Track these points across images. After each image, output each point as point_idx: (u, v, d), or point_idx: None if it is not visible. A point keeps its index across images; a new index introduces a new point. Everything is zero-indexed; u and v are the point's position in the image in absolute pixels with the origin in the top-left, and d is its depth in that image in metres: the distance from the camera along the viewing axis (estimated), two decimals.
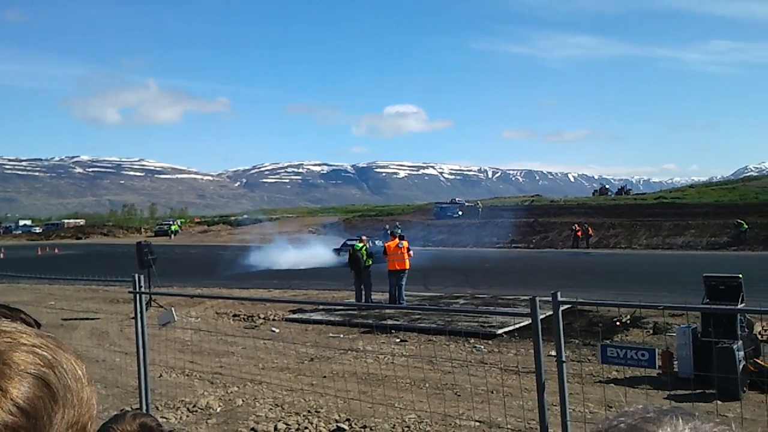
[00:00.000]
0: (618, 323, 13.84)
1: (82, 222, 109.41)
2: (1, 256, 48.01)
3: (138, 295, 7.09)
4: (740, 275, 9.96)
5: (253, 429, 7.92)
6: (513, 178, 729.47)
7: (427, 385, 9.52)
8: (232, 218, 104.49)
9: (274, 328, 15.24)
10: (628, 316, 14.11)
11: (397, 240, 18.58)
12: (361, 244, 19.17)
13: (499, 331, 13.59)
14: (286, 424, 8.00)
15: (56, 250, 55.85)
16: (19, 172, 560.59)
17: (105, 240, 79.42)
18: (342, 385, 9.03)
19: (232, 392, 9.49)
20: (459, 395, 9.01)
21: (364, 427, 7.84)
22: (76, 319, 16.43)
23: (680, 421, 0.84)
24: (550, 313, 5.31)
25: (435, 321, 15.16)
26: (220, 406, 8.84)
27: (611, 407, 8.21)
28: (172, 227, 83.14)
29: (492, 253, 42.65)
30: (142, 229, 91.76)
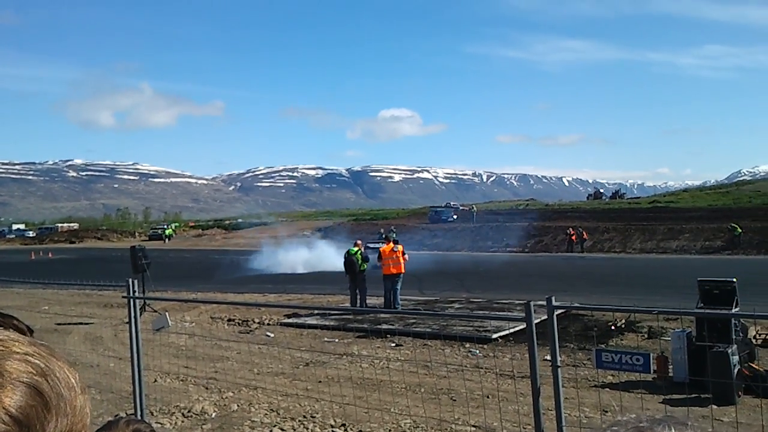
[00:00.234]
0: (613, 327, 13.85)
1: (75, 226, 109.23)
2: None
3: (132, 300, 7.07)
4: (734, 279, 9.98)
5: None
6: (507, 182, 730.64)
7: (422, 389, 9.51)
8: (226, 222, 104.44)
9: (269, 333, 15.20)
10: (623, 321, 14.13)
11: (392, 244, 18.58)
12: (356, 248, 19.16)
13: (494, 336, 13.58)
14: (282, 429, 7.98)
15: (50, 255, 55.70)
16: (13, 176, 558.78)
17: (99, 244, 79.24)
18: (337, 389, 9.01)
19: (227, 397, 9.45)
20: (454, 400, 9.00)
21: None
22: (69, 324, 16.38)
23: (673, 430, 0.84)
24: (545, 317, 5.31)
25: (430, 325, 15.15)
26: (215, 411, 8.81)
27: (607, 412, 8.21)
28: (167, 231, 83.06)
29: (487, 257, 42.70)
30: (136, 233, 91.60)
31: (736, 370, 8.94)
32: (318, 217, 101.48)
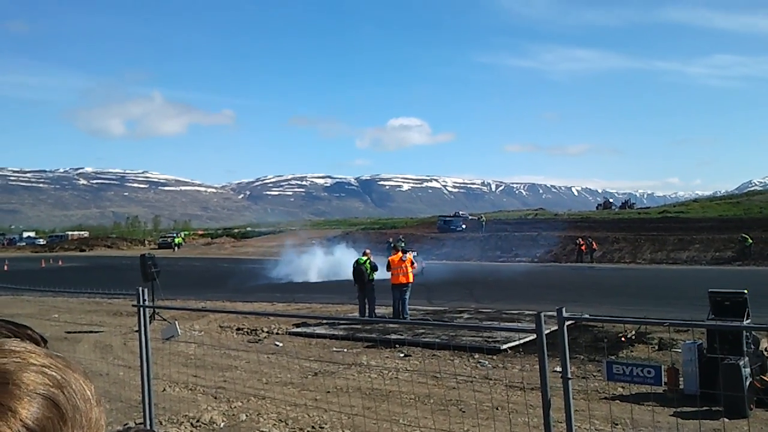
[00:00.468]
0: (623, 339, 13.77)
1: (85, 234, 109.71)
2: (5, 268, 48.04)
3: (142, 309, 7.08)
4: (745, 291, 9.91)
5: None
6: (516, 192, 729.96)
7: (431, 400, 9.47)
8: (235, 230, 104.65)
9: (277, 342, 15.20)
10: (633, 332, 14.05)
11: (400, 253, 18.57)
12: (364, 258, 19.15)
13: (504, 347, 13.53)
14: None
15: (60, 262, 55.95)
16: (24, 184, 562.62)
17: (109, 252, 79.56)
18: (346, 400, 8.99)
19: (235, 407, 9.44)
20: (464, 411, 8.96)
21: None
22: (79, 332, 16.42)
23: None
24: (555, 328, 5.29)
25: (439, 335, 15.11)
26: (223, 421, 8.80)
27: (617, 425, 8.16)
28: (176, 239, 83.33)
29: (496, 267, 42.59)
30: (146, 242, 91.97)
31: (747, 383, 8.87)
32: (326, 226, 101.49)
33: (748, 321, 9.55)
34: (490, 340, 14.11)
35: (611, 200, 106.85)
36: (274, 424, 8.54)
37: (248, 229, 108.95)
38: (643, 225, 58.30)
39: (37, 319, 18.53)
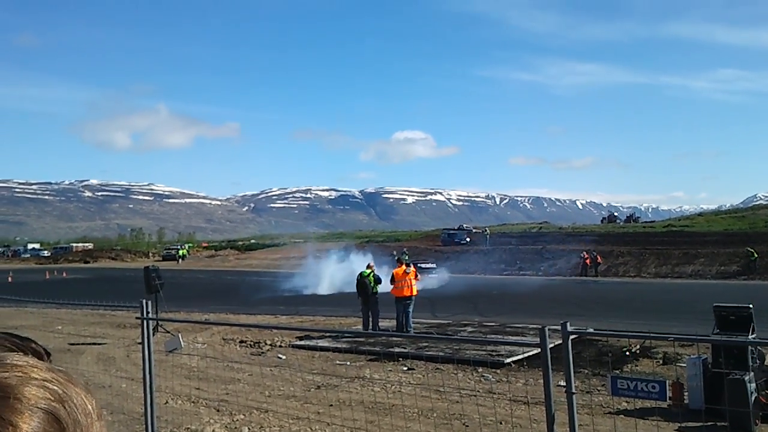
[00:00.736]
0: (627, 353, 13.72)
1: (90, 246, 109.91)
2: (10, 279, 48.12)
3: (145, 321, 7.08)
4: (751, 305, 9.87)
5: None
6: (521, 205, 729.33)
7: (435, 414, 9.43)
8: (269, 240, 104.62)
9: (280, 355, 15.17)
10: (638, 346, 13.99)
11: (404, 266, 18.54)
12: (368, 271, 19.13)
13: (508, 360, 13.48)
14: None
15: (64, 274, 56.00)
16: (29, 196, 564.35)
17: (113, 264, 79.63)
18: (349, 413, 8.95)
19: (238, 420, 9.41)
20: (467, 426, 8.91)
21: None
22: (83, 344, 16.42)
23: None
24: (559, 342, 5.27)
25: (443, 349, 15.05)
26: None
27: None
28: (180, 252, 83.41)
29: (500, 281, 42.50)
30: (150, 254, 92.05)
31: (753, 398, 8.81)
32: (331, 239, 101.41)
33: (754, 336, 9.50)
34: (494, 353, 14.07)
35: (616, 214, 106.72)
36: None
37: (252, 241, 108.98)
38: (648, 239, 58.19)
39: (40, 331, 18.54)
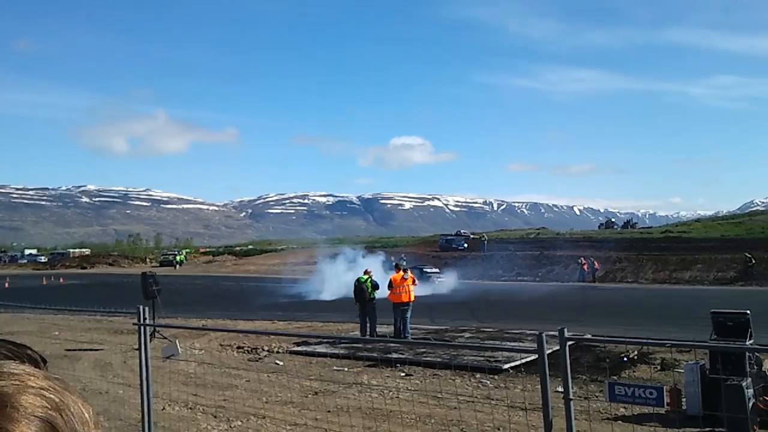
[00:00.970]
0: (625, 359, 13.72)
1: (87, 251, 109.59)
2: (6, 285, 48.00)
3: (143, 327, 7.06)
4: (748, 311, 9.88)
5: None
6: (518, 211, 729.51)
7: (432, 420, 9.42)
8: (237, 248, 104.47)
9: (278, 361, 15.15)
10: (636, 352, 14.00)
11: (402, 272, 18.54)
12: (365, 276, 19.12)
13: (506, 366, 13.48)
14: None
15: (61, 280, 55.87)
16: (26, 201, 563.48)
17: (110, 270, 79.50)
18: (346, 420, 8.93)
19: (235, 426, 9.40)
20: None
21: None
22: (79, 350, 16.38)
23: None
24: (557, 348, 5.27)
25: (440, 355, 15.04)
26: None
27: None
28: (178, 257, 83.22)
29: (497, 286, 42.49)
30: (148, 259, 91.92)
31: (750, 404, 8.81)
32: (328, 245, 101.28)
33: (751, 342, 9.50)
34: (491, 359, 14.06)
35: (613, 220, 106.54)
36: None
37: (250, 247, 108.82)
38: (646, 244, 58.23)
39: (37, 337, 18.49)
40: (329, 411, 10.05)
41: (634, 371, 13.05)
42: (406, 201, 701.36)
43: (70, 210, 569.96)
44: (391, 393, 11.45)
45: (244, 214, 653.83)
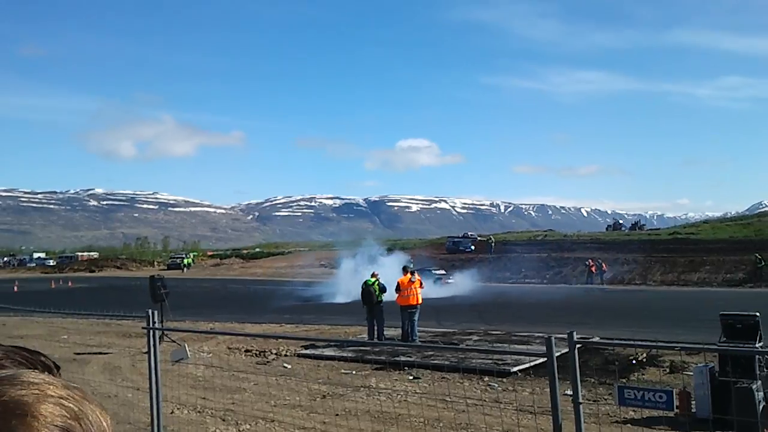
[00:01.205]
0: (634, 362, 13.67)
1: (95, 255, 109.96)
2: (15, 289, 48.24)
3: (151, 331, 7.08)
4: (757, 313, 9.82)
5: None
6: (526, 213, 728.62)
7: (441, 424, 9.41)
8: (244, 251, 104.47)
9: (286, 364, 15.16)
10: (645, 355, 13.93)
11: (409, 275, 18.53)
12: (372, 279, 19.12)
13: (514, 369, 13.45)
14: None
15: (70, 283, 56.10)
16: (35, 205, 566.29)
17: (118, 273, 79.75)
18: (355, 423, 8.93)
19: (243, 430, 9.41)
20: None
21: None
22: (88, 353, 16.43)
23: None
24: (566, 350, 5.26)
25: (448, 358, 15.02)
26: None
27: None
28: (185, 260, 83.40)
29: (505, 289, 42.40)
30: (155, 263, 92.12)
31: (761, 407, 8.76)
32: (335, 247, 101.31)
33: (761, 344, 9.45)
34: (500, 362, 14.04)
35: (621, 221, 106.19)
36: None
37: (257, 249, 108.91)
38: (654, 246, 58.00)
39: (46, 341, 18.57)
40: (337, 414, 10.05)
41: (643, 374, 12.99)
42: (412, 203, 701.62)
43: (78, 213, 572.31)
44: (399, 396, 11.44)
45: (251, 216, 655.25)
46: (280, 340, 17.96)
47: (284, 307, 30.13)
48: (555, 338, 5.04)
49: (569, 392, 5.16)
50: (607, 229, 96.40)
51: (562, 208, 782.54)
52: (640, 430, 8.89)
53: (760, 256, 44.51)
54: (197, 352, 16.01)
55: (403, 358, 14.83)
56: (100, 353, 16.41)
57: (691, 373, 10.63)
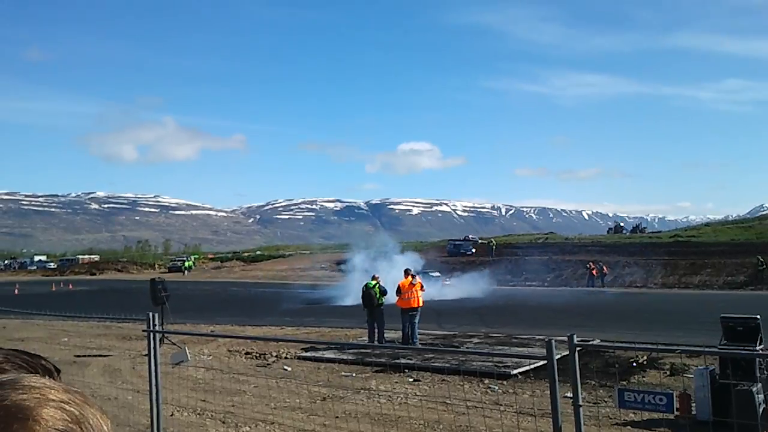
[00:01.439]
0: (635, 364, 13.66)
1: (96, 258, 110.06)
2: (16, 291, 48.26)
3: (152, 334, 7.08)
4: (758, 316, 9.82)
5: None
6: (526, 216, 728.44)
7: (441, 426, 9.40)
8: (245, 254, 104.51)
9: (286, 367, 15.15)
10: (645, 357, 13.93)
11: (410, 278, 18.52)
12: (373, 282, 19.11)
13: (514, 372, 13.44)
14: None
15: (70, 286, 56.08)
16: (36, 208, 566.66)
17: (119, 276, 79.77)
18: (355, 425, 8.93)
19: None
20: None
21: None
22: (89, 356, 16.43)
23: None
24: (566, 353, 5.25)
25: (449, 360, 15.01)
26: None
27: None
28: (186, 263, 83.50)
29: (505, 292, 42.37)
30: (156, 265, 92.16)
31: (761, 410, 8.76)
32: (337, 250, 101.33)
33: (761, 347, 9.45)
34: (500, 365, 14.02)
35: (622, 224, 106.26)
36: None
37: (258, 252, 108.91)
38: (655, 249, 58.03)
39: (47, 343, 18.58)
40: (337, 417, 10.05)
41: (643, 376, 12.99)
42: (413, 206, 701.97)
43: (79, 217, 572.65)
44: (399, 399, 11.43)
45: (252, 219, 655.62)
46: (280, 342, 17.96)
47: (291, 310, 30.10)
48: (555, 341, 5.04)
49: (569, 395, 5.15)
50: (608, 231, 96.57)
51: (563, 210, 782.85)
52: None
53: (761, 259, 44.49)
54: (197, 354, 16.01)
55: (403, 361, 14.82)
56: (100, 356, 16.41)
57: (692, 376, 10.62)
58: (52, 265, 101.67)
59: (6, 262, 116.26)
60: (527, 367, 13.59)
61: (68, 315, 21.24)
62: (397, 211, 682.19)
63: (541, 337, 17.20)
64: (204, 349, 17.29)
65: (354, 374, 13.95)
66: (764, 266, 43.91)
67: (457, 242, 75.66)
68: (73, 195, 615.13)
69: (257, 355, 16.65)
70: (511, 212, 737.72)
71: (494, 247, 68.01)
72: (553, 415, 5.06)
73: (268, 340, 18.27)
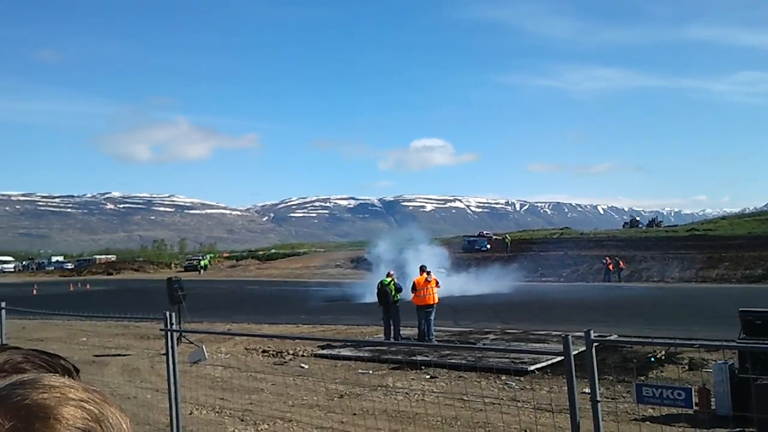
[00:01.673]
0: (653, 359, 13.58)
1: (113, 258, 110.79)
2: (34, 292, 48.69)
3: (169, 333, 7.13)
4: None
5: None
6: (541, 211, 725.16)
7: (458, 423, 9.40)
8: (260, 252, 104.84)
9: (303, 365, 15.20)
10: (663, 352, 13.85)
11: (425, 275, 18.51)
12: (388, 279, 19.12)
13: (531, 368, 13.40)
14: None
15: (88, 286, 56.48)
16: (52, 209, 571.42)
17: (136, 275, 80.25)
18: (372, 422, 8.95)
19: (262, 430, 9.45)
20: None
21: None
22: (107, 355, 16.56)
23: None
24: (583, 349, 5.24)
25: (465, 357, 15.00)
26: None
27: None
28: (202, 262, 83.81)
29: (521, 287, 42.23)
30: (172, 265, 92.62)
31: None
32: (351, 248, 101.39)
33: None
34: (517, 361, 13.99)
35: (638, 218, 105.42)
36: None
37: (273, 251, 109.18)
38: (671, 243, 57.59)
39: (65, 343, 18.74)
40: (355, 414, 10.07)
41: (661, 371, 12.92)
42: (427, 203, 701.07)
43: (95, 217, 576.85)
44: (416, 395, 11.44)
45: (266, 218, 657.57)
46: (296, 340, 18.01)
47: (308, 308, 30.13)
48: (572, 336, 5.03)
49: (587, 390, 5.14)
50: (624, 226, 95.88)
51: (578, 205, 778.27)
52: (660, 427, 8.83)
53: None
54: (215, 353, 16.10)
55: (419, 358, 14.82)
56: (118, 355, 16.54)
57: (711, 371, 10.55)
58: (70, 266, 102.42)
59: (24, 263, 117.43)
60: (544, 363, 13.55)
61: (86, 315, 21.38)
62: (410, 207, 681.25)
63: (557, 332, 17.12)
64: (221, 347, 17.38)
65: (371, 371, 13.97)
66: None
67: (471, 238, 75.44)
68: (89, 195, 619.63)
69: (274, 353, 16.71)
70: (525, 208, 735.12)
71: (509, 243, 67.81)
72: (571, 411, 5.05)
73: (285, 338, 18.33)
